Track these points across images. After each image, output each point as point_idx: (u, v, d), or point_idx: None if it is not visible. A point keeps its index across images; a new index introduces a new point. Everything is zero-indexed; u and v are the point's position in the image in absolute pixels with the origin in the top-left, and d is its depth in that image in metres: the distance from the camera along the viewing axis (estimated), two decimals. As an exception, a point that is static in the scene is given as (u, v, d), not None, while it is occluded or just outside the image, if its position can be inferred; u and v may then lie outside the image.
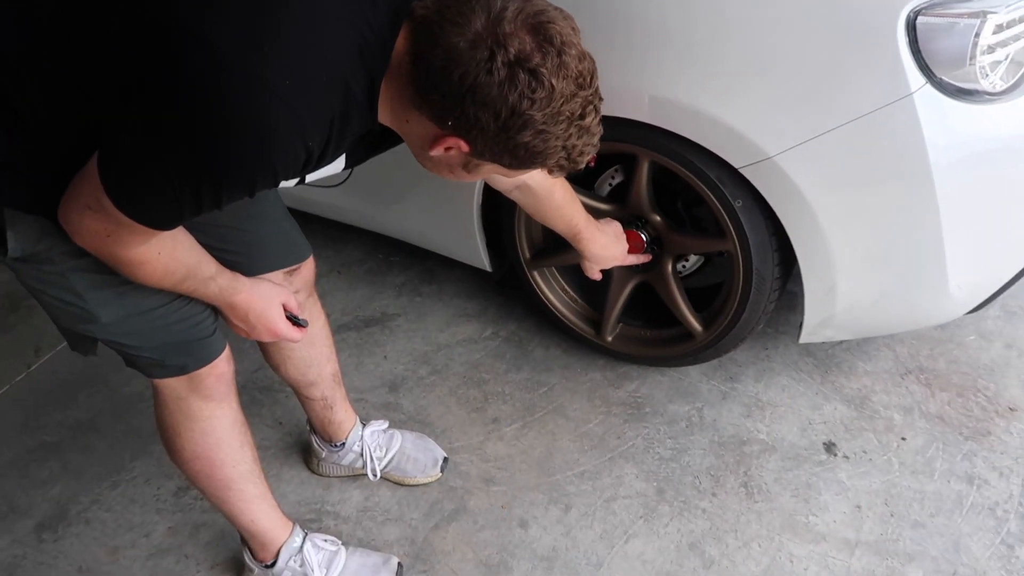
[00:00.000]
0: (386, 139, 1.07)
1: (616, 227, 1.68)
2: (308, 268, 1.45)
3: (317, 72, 0.89)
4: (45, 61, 0.93)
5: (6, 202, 1.00)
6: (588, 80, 0.95)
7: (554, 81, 0.90)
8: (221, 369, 1.27)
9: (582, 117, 0.95)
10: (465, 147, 0.96)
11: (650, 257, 1.75)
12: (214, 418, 1.30)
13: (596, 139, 1.00)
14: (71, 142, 0.95)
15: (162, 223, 0.97)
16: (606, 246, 1.63)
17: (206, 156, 0.88)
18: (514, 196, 1.42)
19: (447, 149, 0.97)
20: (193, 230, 1.08)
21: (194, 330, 1.21)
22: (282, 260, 1.40)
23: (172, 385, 1.25)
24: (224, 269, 1.17)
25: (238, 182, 0.93)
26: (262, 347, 1.52)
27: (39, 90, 0.94)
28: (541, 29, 0.90)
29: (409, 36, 0.93)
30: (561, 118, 0.93)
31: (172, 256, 1.05)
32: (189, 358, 1.23)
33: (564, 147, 0.97)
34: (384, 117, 0.99)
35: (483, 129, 0.92)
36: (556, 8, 0.94)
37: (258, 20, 0.86)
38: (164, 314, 1.16)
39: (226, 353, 1.27)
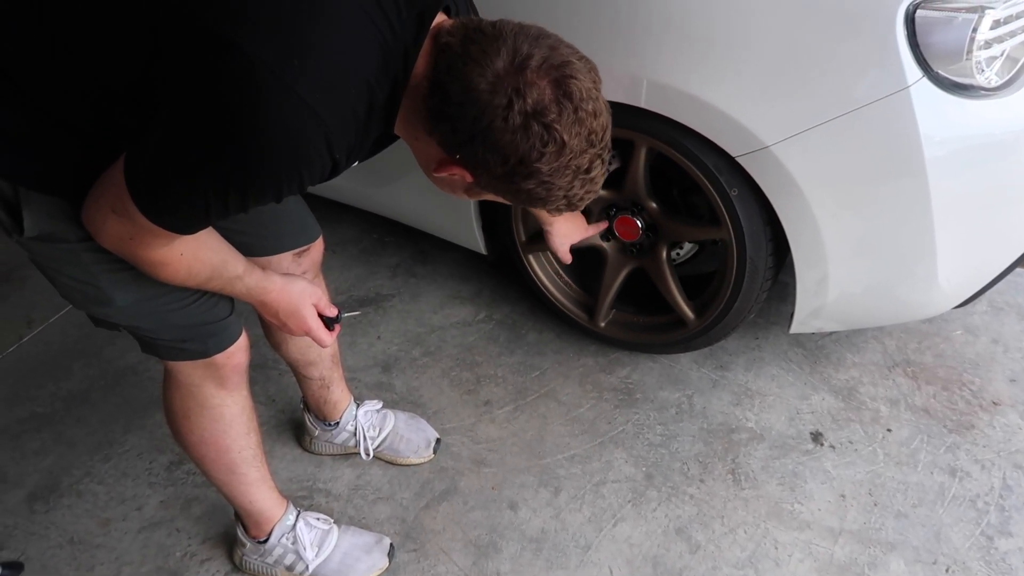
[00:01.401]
0: (393, 138, 1.07)
1: None
2: (317, 249, 1.45)
3: (347, 83, 0.89)
4: (58, 42, 0.92)
5: (23, 181, 0.99)
6: (600, 136, 0.94)
7: (566, 137, 0.90)
8: (239, 359, 1.26)
9: (588, 172, 0.96)
10: (469, 178, 0.97)
11: (606, 224, 1.76)
12: (224, 406, 1.30)
13: (598, 187, 1.00)
14: (88, 127, 0.95)
15: (187, 228, 0.97)
16: (567, 216, 1.63)
17: (237, 167, 0.87)
18: None
19: (451, 174, 0.98)
20: None
21: (211, 312, 1.20)
22: (293, 241, 1.40)
23: (188, 371, 1.24)
24: (254, 268, 1.15)
25: (266, 190, 0.93)
26: (264, 325, 1.52)
27: (48, 73, 0.92)
28: (563, 83, 0.89)
29: (430, 60, 0.93)
30: (567, 171, 0.94)
31: (195, 257, 1.04)
32: (209, 341, 1.22)
33: (566, 196, 0.97)
34: (397, 128, 1.00)
35: (489, 169, 0.93)
36: (581, 59, 0.93)
37: (292, 29, 0.85)
38: (180, 297, 1.15)
39: (244, 342, 1.27)
